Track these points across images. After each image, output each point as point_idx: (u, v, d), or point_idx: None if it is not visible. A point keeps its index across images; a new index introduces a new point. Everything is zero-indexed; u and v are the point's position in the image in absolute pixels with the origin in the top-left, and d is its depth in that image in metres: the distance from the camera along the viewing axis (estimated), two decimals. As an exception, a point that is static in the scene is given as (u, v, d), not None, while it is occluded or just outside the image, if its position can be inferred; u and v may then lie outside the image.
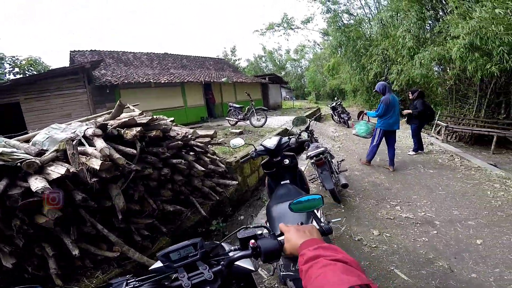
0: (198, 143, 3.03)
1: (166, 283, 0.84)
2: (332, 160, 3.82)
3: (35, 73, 12.83)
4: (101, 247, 2.09)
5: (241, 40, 79.44)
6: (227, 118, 9.07)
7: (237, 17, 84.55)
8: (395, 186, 4.28)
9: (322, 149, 3.46)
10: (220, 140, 3.67)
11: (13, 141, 2.54)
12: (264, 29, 21.91)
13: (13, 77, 12.30)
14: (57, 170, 1.87)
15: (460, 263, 2.36)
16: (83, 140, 2.36)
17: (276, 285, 2.22)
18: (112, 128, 2.30)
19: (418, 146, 6.05)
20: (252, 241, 0.88)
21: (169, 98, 10.72)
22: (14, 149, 2.20)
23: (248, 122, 8.25)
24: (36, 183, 1.71)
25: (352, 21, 15.35)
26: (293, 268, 1.56)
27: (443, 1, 8.87)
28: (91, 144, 2.27)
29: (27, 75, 12.94)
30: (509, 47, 5.88)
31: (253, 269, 1.02)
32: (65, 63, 17.02)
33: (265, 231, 1.01)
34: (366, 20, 15.22)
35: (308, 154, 3.48)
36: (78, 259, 1.95)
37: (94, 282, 1.95)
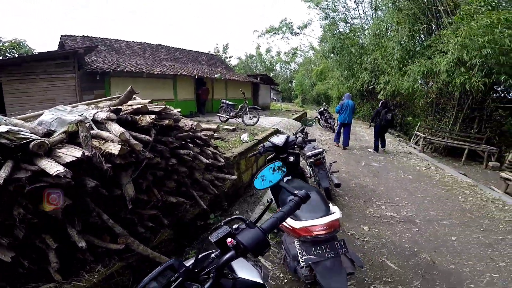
0: (203, 136, 3.09)
1: None
2: (325, 161, 4.02)
3: (18, 55, 12.10)
4: (104, 238, 1.96)
5: (234, 38, 79.02)
6: (218, 114, 9.03)
7: (236, 16, 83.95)
8: (380, 188, 4.63)
9: (321, 149, 3.67)
10: (216, 135, 3.73)
11: (15, 120, 2.37)
12: (264, 31, 22.16)
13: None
14: (71, 153, 1.76)
15: (440, 256, 2.68)
16: (92, 124, 2.32)
17: (281, 275, 2.34)
18: (126, 114, 2.27)
19: (376, 148, 7.44)
20: (229, 239, 0.79)
21: (160, 90, 10.55)
22: (21, 128, 2.08)
23: (239, 120, 8.28)
24: (53, 166, 1.59)
25: (347, 30, 15.84)
26: (315, 252, 1.68)
27: (439, 16, 9.28)
28: (100, 129, 2.23)
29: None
30: (488, 60, 6.49)
31: (261, 281, 0.94)
32: (53, 47, 16.09)
33: (240, 222, 0.93)
34: (361, 30, 15.77)
35: (307, 154, 3.65)
36: (79, 251, 1.79)
37: (96, 276, 1.78)
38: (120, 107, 2.42)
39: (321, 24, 17.64)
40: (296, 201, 1.05)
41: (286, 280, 2.30)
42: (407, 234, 3.12)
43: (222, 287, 0.84)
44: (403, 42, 10.03)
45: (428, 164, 6.61)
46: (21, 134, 1.87)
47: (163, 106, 2.55)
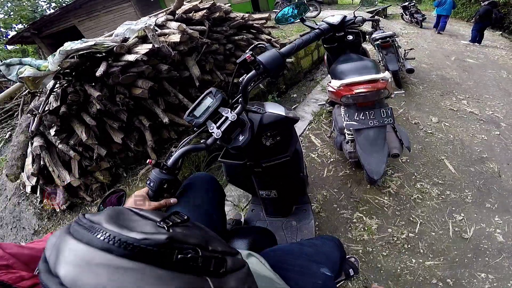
0: (255, 24, 3.11)
1: (202, 141, 0.85)
2: (399, 48, 3.49)
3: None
4: (182, 116, 2.35)
5: None
6: (274, 10, 8.51)
7: None
8: (467, 83, 3.86)
9: (390, 32, 3.15)
10: (269, 24, 3.63)
11: (98, 38, 2.92)
12: None
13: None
14: (144, 47, 2.14)
15: (510, 171, 2.20)
16: (155, 27, 2.61)
17: (328, 153, 2.38)
18: (181, 13, 2.49)
19: (475, 40, 6.64)
20: (248, 54, 0.83)
21: (213, -3, 10.21)
22: (104, 40, 2.54)
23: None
24: (132, 56, 2.02)
25: None
26: (358, 118, 1.56)
27: None
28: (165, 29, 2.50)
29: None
30: None
31: (283, 114, 0.99)
32: None
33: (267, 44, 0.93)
34: None
35: (373, 36, 3.21)
36: (166, 129, 2.31)
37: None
38: (175, 10, 2.66)
39: None
40: (316, 32, 1.01)
41: (332, 159, 2.29)
42: (483, 136, 2.59)
43: (250, 120, 0.91)
44: None
45: None
46: (105, 44, 2.29)
47: (212, 2, 2.68)
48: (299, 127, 2.76)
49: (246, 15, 2.98)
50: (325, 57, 2.49)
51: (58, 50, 2.00)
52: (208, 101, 0.86)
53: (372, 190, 1.97)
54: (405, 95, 3.28)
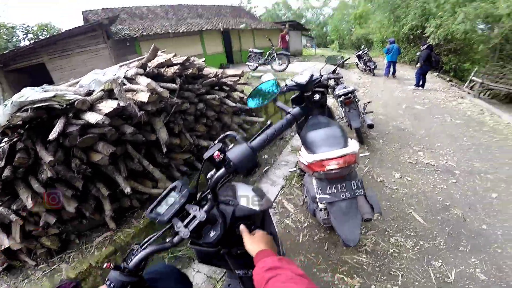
0: (228, 82, 3.15)
1: (168, 240, 0.79)
2: (358, 102, 3.81)
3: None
4: (146, 184, 2.23)
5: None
6: (247, 63, 8.98)
7: None
8: (420, 132, 4.26)
9: (351, 88, 3.44)
10: (242, 81, 3.77)
11: (60, 86, 2.75)
12: None
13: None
14: (108, 105, 1.99)
15: (473, 214, 2.40)
16: (125, 81, 2.53)
17: (302, 218, 2.38)
18: (152, 67, 2.42)
19: (418, 84, 7.51)
20: (216, 153, 0.76)
21: (188, 47, 10.61)
22: (66, 92, 2.39)
23: (268, 66, 8.17)
24: (94, 116, 1.84)
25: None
26: (330, 191, 1.61)
27: None
28: (133, 84, 2.43)
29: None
30: None
31: (257, 209, 0.93)
32: (77, 24, 16.77)
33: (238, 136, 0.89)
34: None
35: (336, 93, 3.47)
36: (128, 198, 2.11)
37: (142, 222, 2.07)
38: (147, 63, 2.59)
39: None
40: (288, 118, 0.98)
41: (306, 224, 2.31)
42: (443, 186, 2.82)
43: (223, 212, 0.86)
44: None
45: (482, 110, 5.70)
46: (67, 96, 2.12)
47: (186, 57, 2.63)
48: (272, 193, 2.79)
49: (220, 71, 2.99)
50: None
51: (10, 100, 1.80)
52: (172, 198, 0.80)
53: (349, 250, 2.01)
54: (368, 152, 3.50)
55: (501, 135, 4.16)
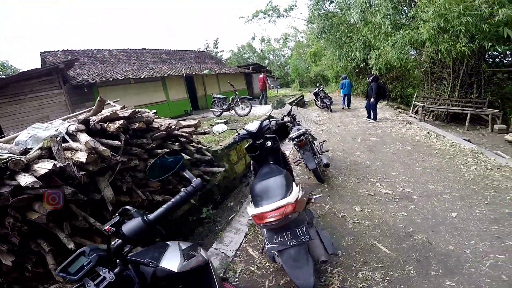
0: (182, 133, 3.07)
1: None
2: (314, 142, 3.97)
3: (3, 77, 12.16)
4: (95, 240, 2.13)
5: (225, 32, 77.42)
6: (211, 109, 9.08)
7: (223, 8, 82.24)
8: (376, 163, 4.50)
9: (303, 130, 3.59)
10: (206, 131, 3.74)
11: None
12: (251, 16, 21.54)
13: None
14: (44, 166, 1.89)
15: (437, 236, 2.45)
16: (66, 137, 2.37)
17: (267, 263, 2.31)
18: (95, 123, 2.31)
19: (374, 116, 8.02)
20: (107, 227, 0.84)
21: (150, 93, 10.52)
22: (1, 149, 2.20)
23: (233, 112, 8.31)
24: (25, 179, 1.75)
25: (333, 8, 15.49)
26: (277, 240, 1.63)
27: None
28: (75, 141, 2.29)
29: (-4, 78, 12.26)
30: (470, 27, 6.48)
31: (175, 270, 0.91)
32: (36, 65, 16.07)
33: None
34: (346, 8, 15.39)
35: (290, 136, 3.60)
36: (74, 251, 1.97)
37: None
38: (92, 117, 2.50)
39: (307, 5, 17.01)
40: (188, 191, 1.04)
41: (271, 269, 2.27)
42: (403, 213, 2.90)
43: (142, 274, 0.89)
44: (389, 16, 9.80)
45: (428, 132, 6.38)
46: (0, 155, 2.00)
47: (132, 110, 2.57)
48: (235, 241, 2.68)
49: (174, 122, 2.94)
50: (251, 165, 2.61)
51: None
52: (82, 261, 0.83)
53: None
54: (328, 189, 3.57)
55: (448, 155, 4.56)
